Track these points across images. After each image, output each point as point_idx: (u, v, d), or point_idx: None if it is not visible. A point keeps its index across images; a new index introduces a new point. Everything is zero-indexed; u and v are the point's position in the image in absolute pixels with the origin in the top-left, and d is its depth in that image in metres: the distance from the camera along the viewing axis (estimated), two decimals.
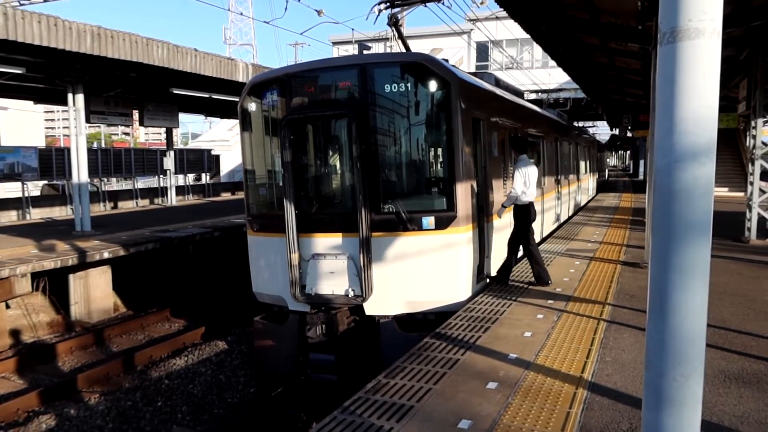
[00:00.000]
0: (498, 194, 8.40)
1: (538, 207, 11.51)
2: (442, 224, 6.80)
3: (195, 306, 12.59)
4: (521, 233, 7.54)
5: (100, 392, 8.07)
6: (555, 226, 13.69)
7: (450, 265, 6.90)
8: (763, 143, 10.84)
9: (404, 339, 6.54)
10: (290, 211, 7.15)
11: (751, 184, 10.65)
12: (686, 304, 1.89)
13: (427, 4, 9.26)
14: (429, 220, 6.80)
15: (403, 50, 9.31)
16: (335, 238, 7.15)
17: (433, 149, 7.31)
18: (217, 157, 36.27)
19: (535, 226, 11.23)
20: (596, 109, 28.69)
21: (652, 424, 2.01)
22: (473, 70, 29.98)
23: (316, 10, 15.83)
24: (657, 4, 1.97)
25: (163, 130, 23.92)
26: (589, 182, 23.92)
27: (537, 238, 11.41)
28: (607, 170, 49.99)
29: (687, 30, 1.83)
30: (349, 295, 7.05)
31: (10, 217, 20.67)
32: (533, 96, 27.26)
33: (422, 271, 6.88)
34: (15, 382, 8.68)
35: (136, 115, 19.98)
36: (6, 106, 33.15)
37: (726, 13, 2.12)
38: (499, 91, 9.54)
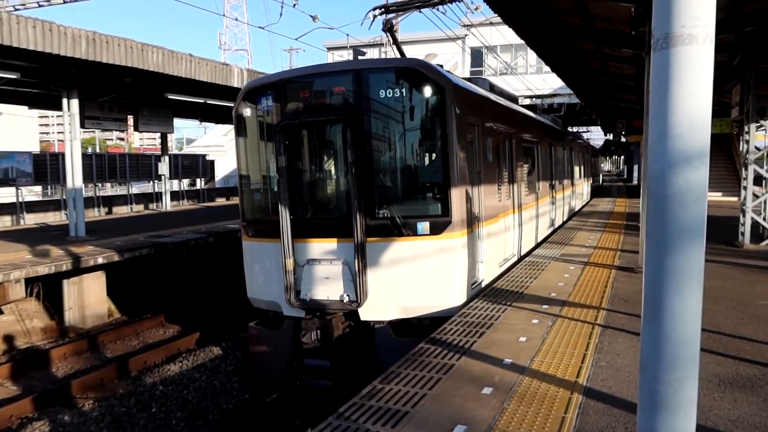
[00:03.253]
0: (492, 199, 8.40)
1: (533, 212, 11.62)
2: (437, 229, 6.80)
3: (190, 311, 12.53)
4: None
5: (94, 398, 8.02)
6: (549, 231, 13.72)
7: (445, 271, 6.89)
8: (757, 148, 10.90)
9: (399, 344, 6.52)
10: (285, 217, 7.14)
11: (745, 188, 10.70)
12: (680, 308, 1.89)
13: (421, 9, 9.30)
14: (424, 226, 6.80)
15: (398, 56, 9.34)
16: (330, 244, 7.13)
17: (427, 154, 7.32)
18: (212, 162, 36.26)
19: (530, 231, 11.32)
20: (590, 114, 28.82)
21: (647, 428, 2.01)
22: (468, 75, 30.05)
23: (311, 16, 15.82)
24: (650, 10, 1.99)
25: (158, 135, 23.89)
26: (584, 187, 24.00)
27: (531, 244, 11.47)
28: (601, 175, 50.15)
29: (680, 36, 1.84)
30: (344, 301, 7.04)
31: (4, 222, 20.61)
32: (528, 101, 27.35)
33: (417, 276, 6.87)
34: (9, 388, 8.62)
35: (130, 120, 19.94)
36: (0, 111, 33.01)
37: (719, 19, 2.13)
38: (493, 97, 9.56)
